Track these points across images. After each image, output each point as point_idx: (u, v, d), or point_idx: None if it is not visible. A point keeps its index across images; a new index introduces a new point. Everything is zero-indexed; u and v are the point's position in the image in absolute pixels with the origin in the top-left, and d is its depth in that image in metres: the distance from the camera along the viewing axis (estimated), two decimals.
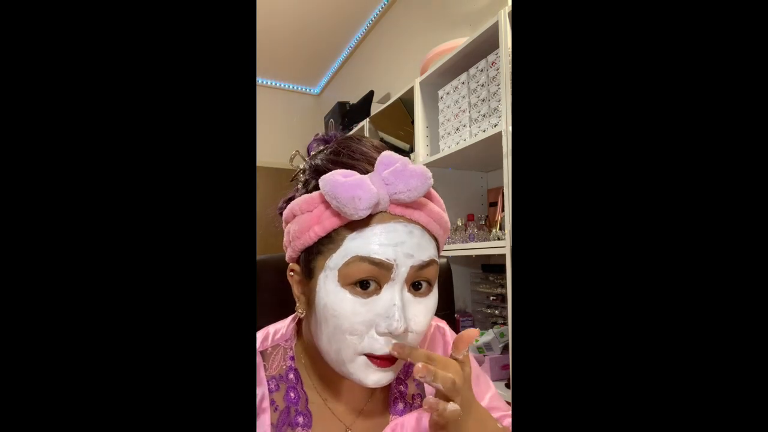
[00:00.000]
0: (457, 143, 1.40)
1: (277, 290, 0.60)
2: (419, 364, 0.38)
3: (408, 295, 0.42)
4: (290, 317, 0.53)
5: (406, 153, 1.79)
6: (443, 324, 0.59)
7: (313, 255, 0.42)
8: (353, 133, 2.06)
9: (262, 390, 0.47)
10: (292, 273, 0.46)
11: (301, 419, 0.47)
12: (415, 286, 0.42)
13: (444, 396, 0.39)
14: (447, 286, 0.82)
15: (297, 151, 0.53)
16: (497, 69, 1.24)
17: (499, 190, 1.52)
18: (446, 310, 0.79)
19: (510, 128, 1.17)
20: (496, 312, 1.49)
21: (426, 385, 0.53)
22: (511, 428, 0.54)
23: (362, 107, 2.27)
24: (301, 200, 0.43)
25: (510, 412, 0.55)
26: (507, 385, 1.24)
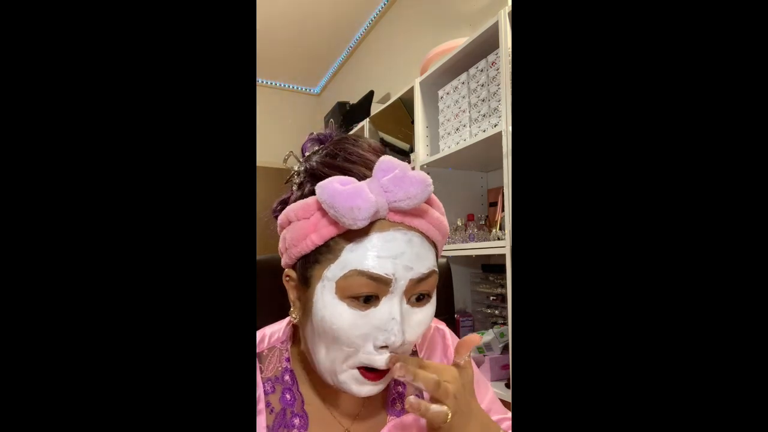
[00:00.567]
0: (457, 143, 1.40)
1: (275, 291, 0.60)
2: (398, 364, 0.37)
3: (407, 307, 0.41)
4: (286, 319, 0.52)
5: (406, 153, 1.79)
6: (443, 326, 0.58)
7: (310, 264, 0.42)
8: (353, 133, 2.06)
9: (257, 392, 0.46)
10: (288, 278, 0.46)
11: (297, 421, 0.47)
12: (414, 297, 0.42)
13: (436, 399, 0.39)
14: (447, 287, 0.82)
15: (291, 151, 0.52)
16: (497, 69, 1.24)
17: (499, 190, 1.52)
18: (446, 311, 0.78)
19: (510, 128, 1.17)
20: (496, 312, 1.49)
21: None
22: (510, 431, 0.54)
23: (362, 107, 2.27)
24: (297, 206, 0.42)
25: (508, 416, 0.55)
26: (507, 385, 1.24)
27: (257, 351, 0.49)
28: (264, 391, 0.47)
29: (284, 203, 0.47)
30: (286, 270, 0.46)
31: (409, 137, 1.82)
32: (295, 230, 0.42)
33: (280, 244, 0.45)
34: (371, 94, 2.30)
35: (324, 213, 0.40)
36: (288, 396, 0.47)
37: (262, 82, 3.51)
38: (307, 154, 0.48)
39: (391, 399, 0.52)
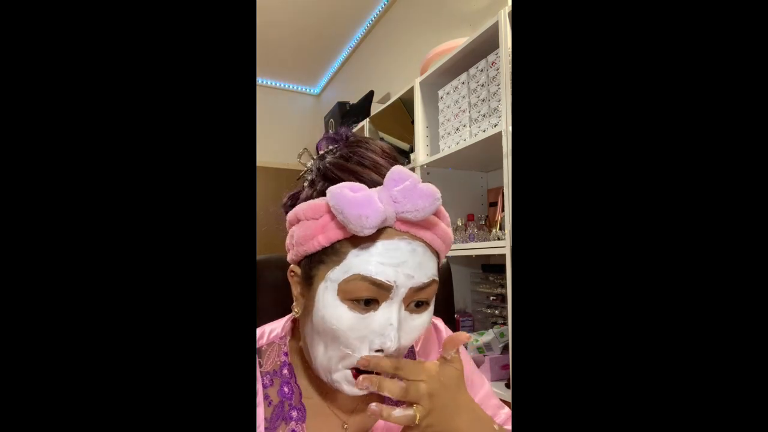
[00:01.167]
0: (457, 143, 1.40)
1: (278, 290, 0.60)
2: (360, 377, 0.40)
3: (405, 313, 0.42)
4: (286, 317, 0.54)
5: (406, 153, 1.79)
6: (438, 321, 0.60)
7: (314, 263, 0.43)
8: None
9: (256, 386, 0.47)
10: (293, 273, 0.47)
11: (294, 413, 0.48)
12: (413, 303, 0.43)
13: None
14: (447, 286, 0.82)
15: (305, 148, 0.53)
16: (497, 69, 1.24)
17: (499, 190, 1.52)
18: (446, 311, 0.78)
19: (510, 128, 1.17)
20: (496, 312, 1.49)
21: None
22: (506, 426, 0.54)
23: (362, 107, 2.27)
24: (307, 206, 0.43)
25: (505, 410, 0.56)
26: (507, 385, 1.24)
27: (257, 346, 0.50)
28: (263, 384, 0.48)
29: (294, 198, 0.49)
30: (292, 266, 0.47)
31: (409, 137, 1.82)
32: (303, 229, 0.43)
33: (288, 240, 0.46)
34: (371, 94, 2.30)
35: (333, 216, 0.40)
36: (286, 389, 0.48)
37: (262, 82, 3.51)
38: (321, 152, 0.49)
39: None
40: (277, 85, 3.60)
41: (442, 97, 1.50)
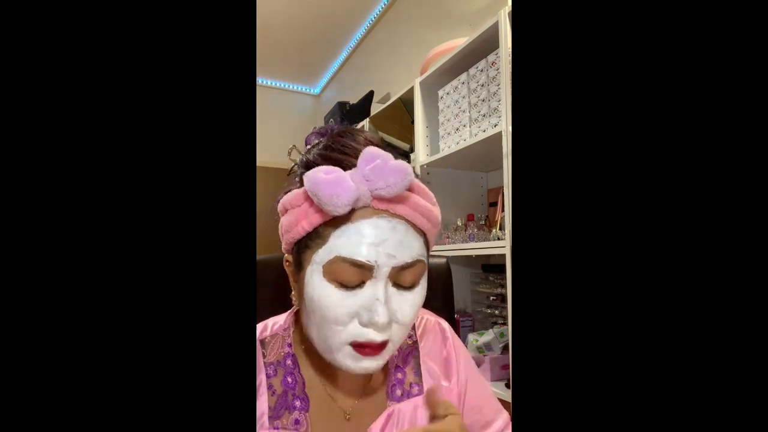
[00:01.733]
0: (457, 143, 1.40)
1: (278, 290, 0.61)
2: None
3: (392, 290, 0.43)
4: (290, 310, 0.54)
5: (406, 153, 1.79)
6: (445, 323, 0.59)
7: (302, 249, 0.44)
8: None
9: (260, 376, 0.48)
10: (287, 263, 0.48)
11: (298, 403, 0.48)
12: (399, 283, 0.43)
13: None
14: (447, 286, 0.82)
15: (294, 145, 0.54)
16: (497, 69, 1.24)
17: (499, 190, 1.52)
18: (446, 311, 0.78)
19: (510, 128, 1.17)
20: (496, 312, 1.49)
21: (424, 374, 0.54)
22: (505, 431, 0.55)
23: (362, 107, 2.27)
24: (291, 195, 0.44)
25: (504, 415, 0.57)
26: (507, 385, 1.24)
27: (260, 338, 0.51)
28: (266, 374, 0.49)
29: (286, 194, 0.49)
30: (286, 255, 0.48)
31: (409, 137, 1.82)
32: (289, 217, 0.44)
33: (279, 230, 0.47)
34: (371, 94, 2.30)
35: (312, 201, 0.41)
36: (289, 379, 0.49)
37: (262, 82, 3.51)
38: (308, 147, 0.50)
39: (391, 385, 0.53)
40: (277, 85, 3.60)
41: (442, 97, 1.50)
